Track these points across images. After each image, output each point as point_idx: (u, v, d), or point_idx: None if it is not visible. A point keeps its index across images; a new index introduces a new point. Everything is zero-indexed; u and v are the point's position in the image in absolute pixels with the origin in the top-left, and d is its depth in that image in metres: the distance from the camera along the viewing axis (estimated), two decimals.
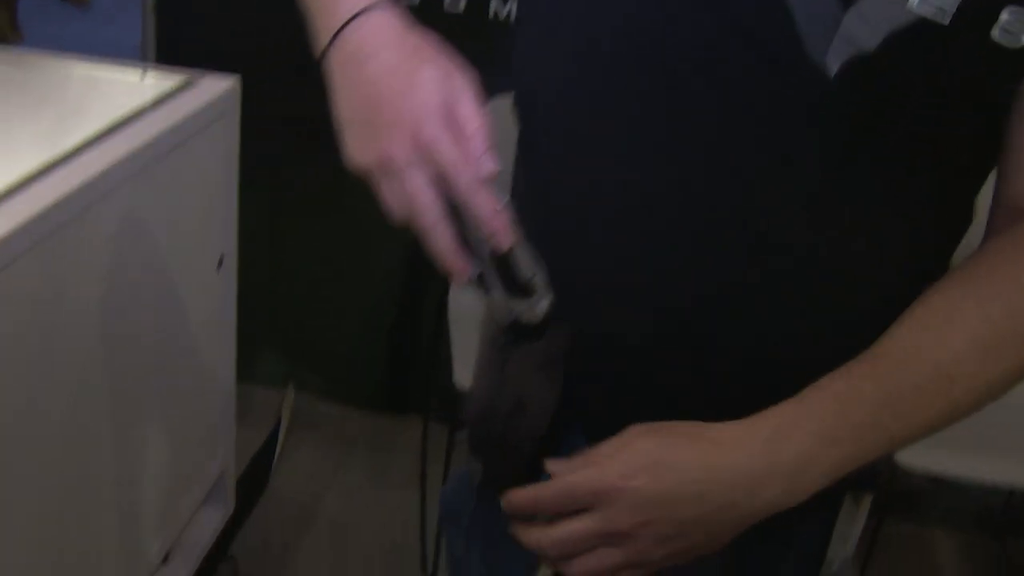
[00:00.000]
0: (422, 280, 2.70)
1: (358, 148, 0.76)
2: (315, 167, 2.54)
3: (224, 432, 1.91)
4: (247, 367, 2.02)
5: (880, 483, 0.95)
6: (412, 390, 2.83)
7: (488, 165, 0.74)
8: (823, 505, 0.92)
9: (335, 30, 0.77)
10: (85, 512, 1.41)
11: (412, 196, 0.74)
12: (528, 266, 0.77)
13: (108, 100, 1.44)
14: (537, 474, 0.82)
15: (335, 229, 2.66)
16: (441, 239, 0.74)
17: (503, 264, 0.77)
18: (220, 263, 1.69)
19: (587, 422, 0.88)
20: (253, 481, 2.45)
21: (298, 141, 2.43)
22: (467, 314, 2.29)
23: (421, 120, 0.73)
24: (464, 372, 2.13)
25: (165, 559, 1.83)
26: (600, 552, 0.79)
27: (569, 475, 0.79)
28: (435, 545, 2.40)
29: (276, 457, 2.60)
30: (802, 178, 0.78)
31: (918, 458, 2.02)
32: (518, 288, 0.78)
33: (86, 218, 1.24)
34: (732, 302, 0.82)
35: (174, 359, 1.60)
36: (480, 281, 0.78)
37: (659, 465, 0.76)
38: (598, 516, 0.77)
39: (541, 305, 0.78)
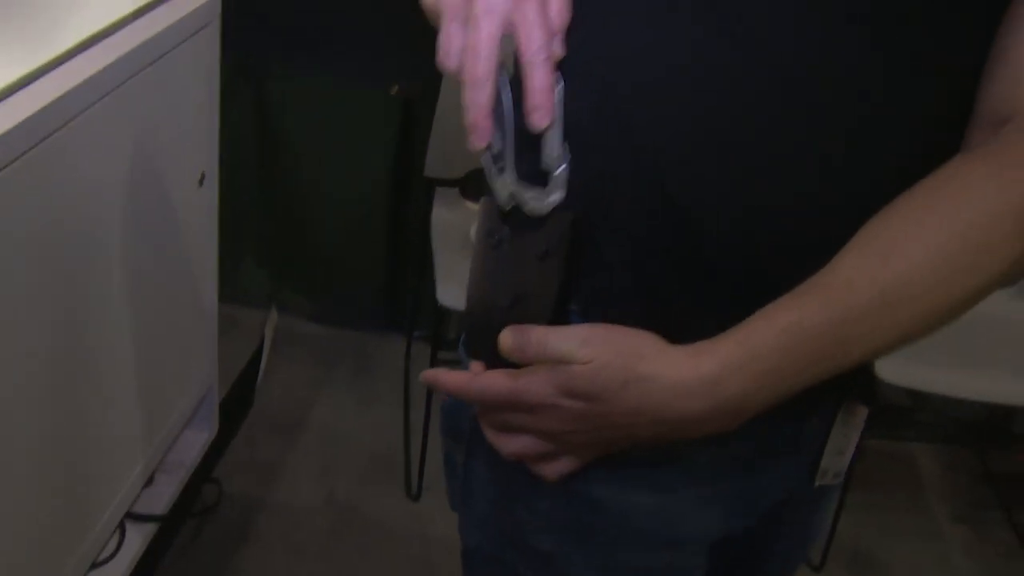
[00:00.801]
0: (406, 200, 2.68)
1: None
2: (301, 84, 2.52)
3: (207, 352, 1.91)
4: (230, 287, 2.01)
5: (875, 396, 0.94)
6: (395, 310, 2.83)
7: (558, 46, 0.74)
8: (818, 412, 0.93)
9: None
10: (66, 432, 1.40)
11: (477, 43, 0.72)
12: (554, 155, 0.75)
13: (87, 11, 1.41)
14: None
15: (320, 148, 2.64)
16: (481, 95, 0.73)
17: (530, 146, 0.75)
18: (201, 180, 1.67)
19: (589, 318, 0.85)
20: (237, 402, 2.44)
21: (284, 54, 2.42)
22: (450, 233, 2.28)
23: None
24: (447, 291, 2.12)
25: (150, 481, 1.83)
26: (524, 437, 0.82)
27: (551, 335, 0.78)
28: (419, 465, 2.40)
29: (260, 378, 2.60)
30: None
31: (898, 374, 2.03)
32: (533, 175, 0.76)
33: (64, 131, 1.22)
34: (757, 190, 0.79)
35: (155, 276, 1.59)
36: (494, 159, 0.77)
37: (604, 392, 0.76)
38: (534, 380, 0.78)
39: (553, 197, 0.76)
